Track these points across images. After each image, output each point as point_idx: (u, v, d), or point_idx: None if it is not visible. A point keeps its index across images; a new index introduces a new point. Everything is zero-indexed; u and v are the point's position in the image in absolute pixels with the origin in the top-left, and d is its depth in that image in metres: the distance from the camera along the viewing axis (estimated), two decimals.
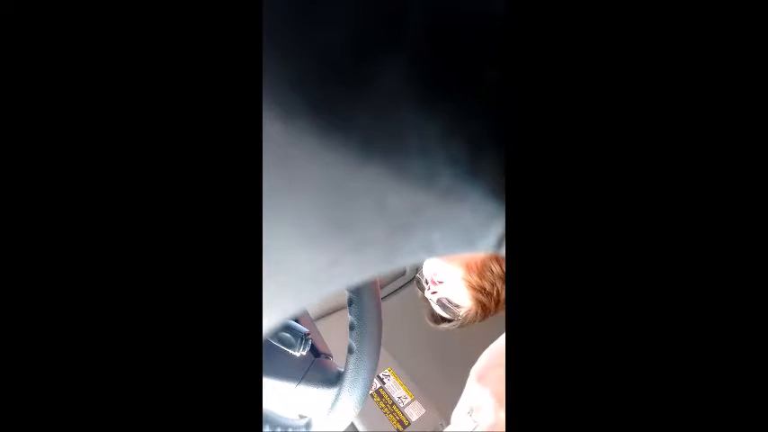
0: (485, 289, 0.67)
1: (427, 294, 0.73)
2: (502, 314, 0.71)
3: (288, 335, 0.43)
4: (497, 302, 0.69)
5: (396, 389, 1.06)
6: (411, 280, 1.26)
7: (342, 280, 0.18)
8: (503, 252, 0.18)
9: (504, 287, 0.67)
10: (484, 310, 0.69)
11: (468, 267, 0.67)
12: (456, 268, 0.68)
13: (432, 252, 0.18)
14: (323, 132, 0.14)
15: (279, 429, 0.45)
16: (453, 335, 0.78)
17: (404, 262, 0.18)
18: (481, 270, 0.66)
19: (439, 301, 0.71)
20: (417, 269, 0.80)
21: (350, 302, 0.43)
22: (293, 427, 0.45)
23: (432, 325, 0.77)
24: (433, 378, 1.07)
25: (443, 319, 0.75)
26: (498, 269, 0.66)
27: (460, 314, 0.70)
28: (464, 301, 0.69)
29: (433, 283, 0.71)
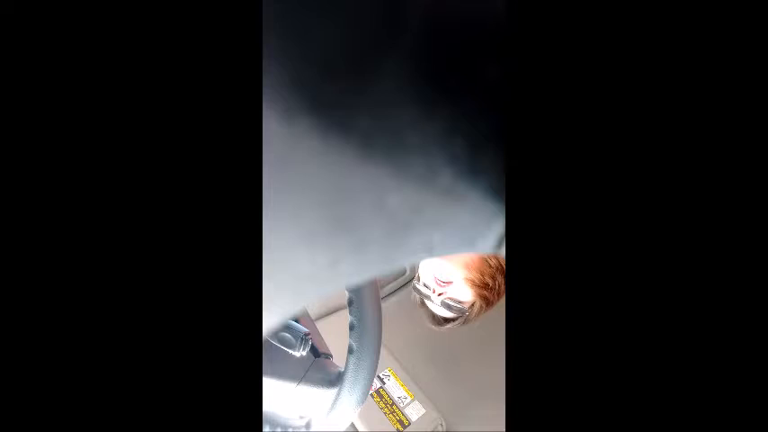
0: (488, 285, 0.68)
1: (433, 298, 0.73)
2: (501, 301, 0.73)
3: (288, 335, 0.43)
4: (499, 293, 0.71)
5: (396, 389, 1.06)
6: (411, 280, 1.26)
7: (342, 280, 0.18)
8: (503, 252, 0.18)
9: (504, 278, 0.68)
10: (487, 303, 0.72)
11: (467, 267, 0.67)
12: (456, 269, 0.68)
13: (432, 252, 0.18)
14: (323, 132, 0.14)
15: (279, 429, 0.45)
16: (453, 335, 0.79)
17: (404, 262, 0.18)
18: (481, 266, 0.67)
19: (444, 303, 0.72)
20: (415, 275, 0.80)
21: (350, 302, 0.43)
22: (293, 428, 0.45)
23: (435, 328, 0.78)
24: (433, 378, 1.07)
25: (446, 320, 0.76)
26: (496, 261, 0.67)
27: (466, 311, 0.71)
28: (468, 297, 0.70)
29: (439, 284, 0.71)
